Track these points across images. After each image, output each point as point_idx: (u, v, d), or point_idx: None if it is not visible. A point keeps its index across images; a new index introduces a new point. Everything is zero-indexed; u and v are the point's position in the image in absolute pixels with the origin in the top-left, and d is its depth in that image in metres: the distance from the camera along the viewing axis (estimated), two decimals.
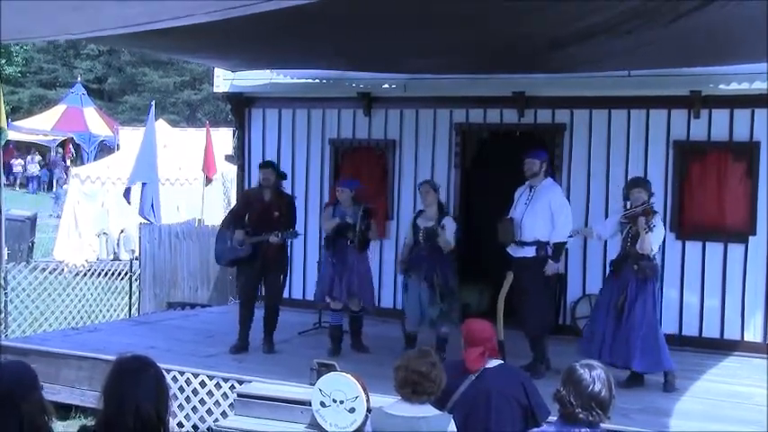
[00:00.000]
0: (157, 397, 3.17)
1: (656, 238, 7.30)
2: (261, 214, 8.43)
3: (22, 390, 3.18)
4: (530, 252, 7.72)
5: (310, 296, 10.32)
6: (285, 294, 9.28)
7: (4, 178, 12.13)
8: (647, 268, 7.32)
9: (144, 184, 14.00)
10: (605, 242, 9.42)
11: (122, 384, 3.15)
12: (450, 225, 8.13)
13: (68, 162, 33.60)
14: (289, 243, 8.69)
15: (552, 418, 4.12)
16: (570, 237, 7.98)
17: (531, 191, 7.87)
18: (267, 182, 8.47)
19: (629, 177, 8.30)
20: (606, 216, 9.29)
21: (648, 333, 7.31)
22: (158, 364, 3.29)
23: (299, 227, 10.67)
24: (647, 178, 8.28)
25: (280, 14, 5.17)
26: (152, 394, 3.16)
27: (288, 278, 8.95)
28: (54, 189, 31.18)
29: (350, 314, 8.65)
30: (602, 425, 3.65)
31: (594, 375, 3.61)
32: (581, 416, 3.57)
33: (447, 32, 6.56)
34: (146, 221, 13.47)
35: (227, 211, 8.87)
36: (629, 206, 7.65)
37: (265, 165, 8.74)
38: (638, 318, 7.28)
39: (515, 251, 7.83)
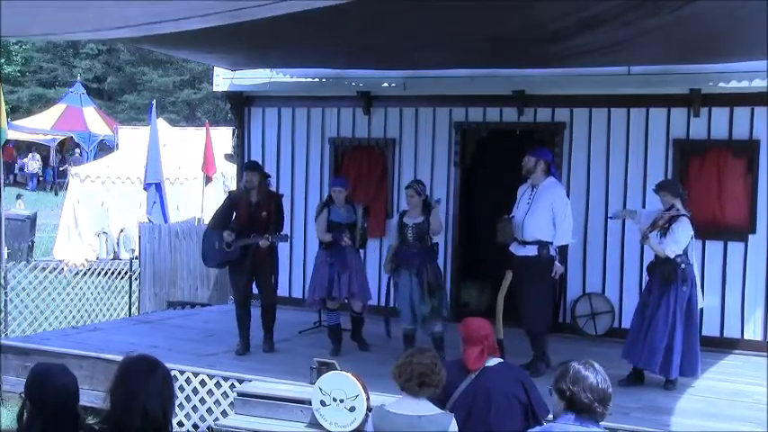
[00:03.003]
0: (164, 397, 3.18)
1: (668, 243, 7.25)
2: (249, 215, 8.35)
3: (77, 392, 3.20)
4: (532, 251, 7.73)
5: None
6: (285, 294, 9.25)
7: (3, 177, 12.13)
8: (667, 272, 7.30)
9: (149, 185, 14.09)
10: (605, 242, 9.46)
11: (130, 384, 3.15)
12: (437, 214, 8.04)
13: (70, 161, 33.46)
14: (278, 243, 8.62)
15: (551, 416, 4.12)
16: (611, 218, 8.48)
17: (533, 190, 7.86)
18: (251, 183, 8.38)
19: (657, 181, 7.93)
20: (606, 213, 9.30)
21: (674, 336, 7.26)
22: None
23: (299, 227, 10.74)
24: (673, 179, 8.36)
25: (280, 15, 5.17)
26: (159, 394, 3.16)
27: (278, 277, 8.88)
28: None
29: (351, 315, 8.65)
30: (602, 423, 3.65)
31: (598, 369, 3.63)
32: (599, 410, 3.56)
33: (447, 24, 6.53)
34: (148, 221, 13.50)
35: (213, 213, 8.78)
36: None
37: (250, 167, 8.62)
38: (662, 321, 7.25)
39: (517, 249, 7.84)
